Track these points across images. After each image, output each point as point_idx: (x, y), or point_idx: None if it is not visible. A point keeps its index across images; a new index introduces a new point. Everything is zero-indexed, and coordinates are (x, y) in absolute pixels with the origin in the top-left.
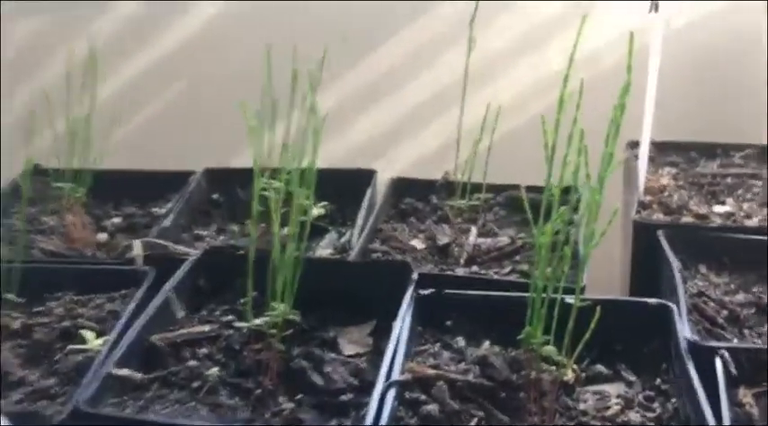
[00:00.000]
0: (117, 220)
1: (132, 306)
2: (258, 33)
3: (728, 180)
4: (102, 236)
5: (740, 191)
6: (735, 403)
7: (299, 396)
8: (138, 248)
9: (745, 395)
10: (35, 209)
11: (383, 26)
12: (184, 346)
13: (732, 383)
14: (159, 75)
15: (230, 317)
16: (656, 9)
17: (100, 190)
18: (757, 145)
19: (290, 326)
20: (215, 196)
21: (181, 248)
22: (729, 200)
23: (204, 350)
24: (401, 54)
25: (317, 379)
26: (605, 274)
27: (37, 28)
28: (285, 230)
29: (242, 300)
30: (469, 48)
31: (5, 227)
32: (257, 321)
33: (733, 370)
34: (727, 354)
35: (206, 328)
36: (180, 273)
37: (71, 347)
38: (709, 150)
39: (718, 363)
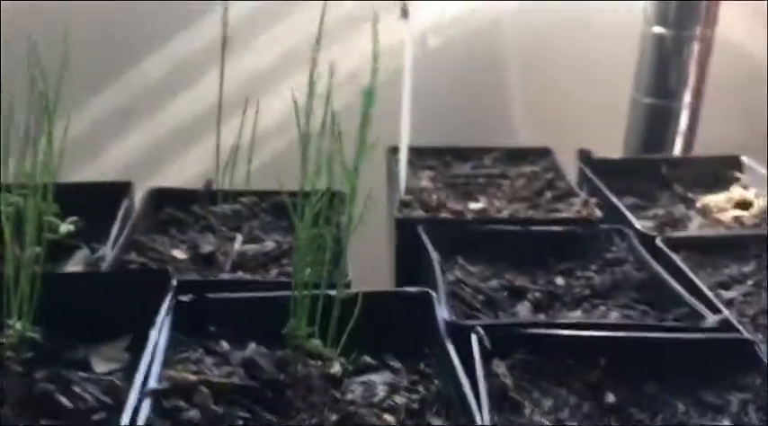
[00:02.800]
0: None
1: None
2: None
3: (480, 180)
4: None
5: (491, 190)
6: (490, 374)
7: (43, 423)
8: None
9: (499, 366)
10: None
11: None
12: None
13: (488, 357)
14: None
15: None
16: (406, 15)
17: None
18: (503, 147)
19: (31, 349)
20: None
21: None
22: (483, 198)
23: None
24: (164, 69)
25: (65, 402)
26: (374, 274)
27: None
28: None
29: None
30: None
31: None
32: None
33: (488, 345)
34: (481, 330)
35: None
36: None
37: None
38: (462, 154)
39: (474, 340)
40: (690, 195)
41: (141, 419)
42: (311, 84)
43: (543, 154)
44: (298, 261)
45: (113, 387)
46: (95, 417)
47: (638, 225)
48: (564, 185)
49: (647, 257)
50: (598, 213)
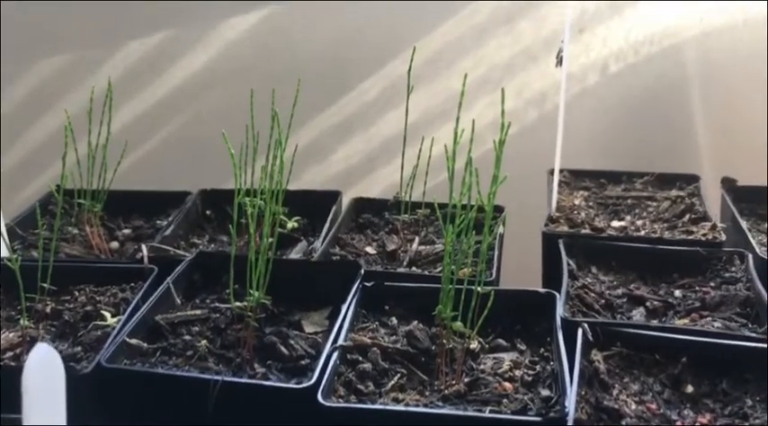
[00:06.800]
0: (127, 231)
1: (140, 294)
2: (259, 69)
3: (629, 201)
4: (114, 244)
5: (637, 210)
6: (588, 360)
7: (269, 363)
8: (144, 251)
9: (596, 355)
10: (60, 222)
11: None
12: (181, 325)
13: (588, 347)
14: (163, 110)
15: (217, 304)
16: (561, 63)
17: (112, 207)
18: (654, 173)
19: (263, 311)
20: (208, 212)
21: (179, 252)
22: (627, 217)
23: (196, 328)
24: (373, 95)
25: (284, 350)
26: (530, 279)
27: (60, 66)
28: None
29: (227, 290)
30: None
31: (36, 237)
32: (238, 303)
33: (589, 338)
34: (586, 326)
35: (198, 312)
36: (178, 270)
37: (94, 323)
38: (616, 177)
39: (580, 333)
40: None
41: (331, 364)
42: (455, 133)
43: (692, 180)
44: (446, 262)
45: (316, 343)
46: (302, 362)
47: (757, 249)
48: (702, 210)
49: (755, 277)
50: (723, 237)
